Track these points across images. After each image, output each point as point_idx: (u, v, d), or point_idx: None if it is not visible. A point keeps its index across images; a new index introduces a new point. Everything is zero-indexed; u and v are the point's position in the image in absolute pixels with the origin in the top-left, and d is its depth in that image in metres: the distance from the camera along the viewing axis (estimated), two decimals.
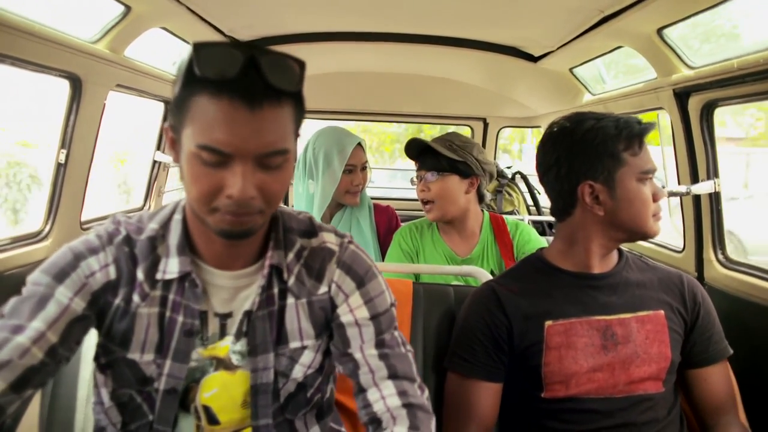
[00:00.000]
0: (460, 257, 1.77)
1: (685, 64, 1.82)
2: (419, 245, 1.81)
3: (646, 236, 1.20)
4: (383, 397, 0.90)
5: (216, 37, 2.24)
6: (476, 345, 1.21)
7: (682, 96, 1.85)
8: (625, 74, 2.44)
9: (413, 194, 1.96)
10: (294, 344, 0.92)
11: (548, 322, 1.17)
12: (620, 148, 1.14)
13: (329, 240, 0.96)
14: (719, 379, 1.22)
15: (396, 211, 2.06)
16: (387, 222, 1.99)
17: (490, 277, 1.49)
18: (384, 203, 2.06)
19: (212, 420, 0.92)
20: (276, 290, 0.92)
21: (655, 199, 1.17)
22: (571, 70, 2.60)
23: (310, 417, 1.00)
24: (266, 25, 2.36)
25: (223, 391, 0.91)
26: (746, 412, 1.22)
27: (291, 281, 0.92)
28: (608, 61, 2.32)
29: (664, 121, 2.04)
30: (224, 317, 0.91)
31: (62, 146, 1.78)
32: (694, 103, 1.82)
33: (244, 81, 0.73)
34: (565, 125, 1.20)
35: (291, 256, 0.93)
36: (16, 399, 0.77)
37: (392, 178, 7.54)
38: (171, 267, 0.87)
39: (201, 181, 0.77)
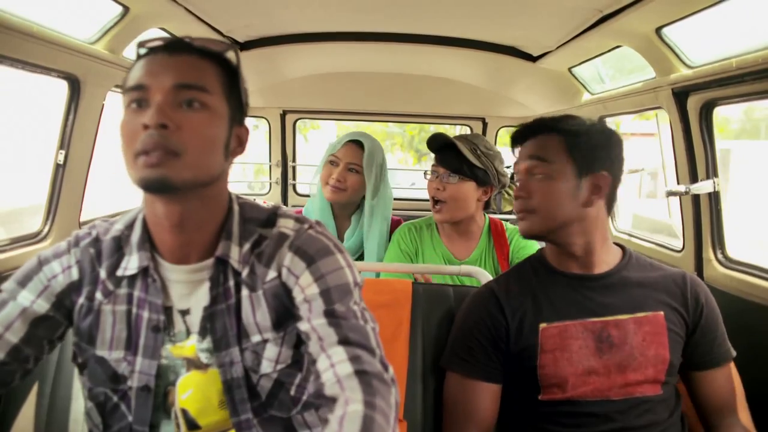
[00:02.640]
0: (458, 260, 1.77)
1: (684, 63, 1.81)
2: (418, 245, 1.81)
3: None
4: (332, 365, 0.80)
5: (214, 38, 2.24)
6: (475, 345, 1.21)
7: (680, 95, 1.85)
8: (621, 71, 2.44)
9: (410, 194, 1.95)
10: (255, 338, 0.90)
11: (543, 325, 1.17)
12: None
13: (286, 225, 0.93)
14: (723, 382, 1.21)
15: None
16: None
17: (490, 278, 1.49)
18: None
19: (191, 425, 0.91)
20: (231, 283, 0.90)
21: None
22: (570, 69, 2.60)
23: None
24: (265, 25, 2.36)
25: (198, 392, 0.91)
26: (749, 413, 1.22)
27: (245, 273, 0.90)
28: (604, 58, 2.32)
29: (663, 120, 2.04)
30: (184, 313, 0.91)
31: (61, 147, 1.78)
32: (693, 103, 1.81)
33: (169, 44, 0.85)
34: (584, 120, 1.26)
35: (246, 246, 0.91)
36: None
37: (395, 178, 7.54)
38: (131, 263, 0.90)
39: (126, 126, 0.82)
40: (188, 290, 0.91)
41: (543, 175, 1.17)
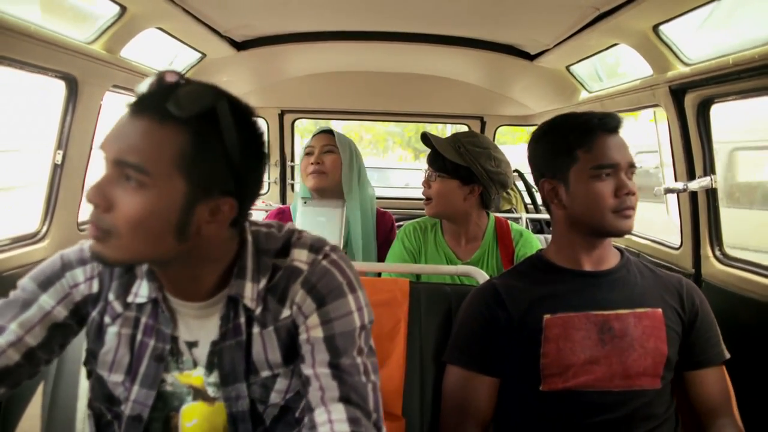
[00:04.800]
0: (460, 260, 1.77)
1: (681, 60, 1.82)
2: (421, 245, 1.81)
3: (608, 232, 1.19)
4: (331, 421, 0.79)
5: (212, 38, 2.24)
6: (475, 338, 1.22)
7: (678, 93, 1.85)
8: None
9: (407, 194, 1.96)
10: (264, 373, 0.88)
11: (546, 316, 1.18)
12: (573, 144, 1.17)
13: (299, 258, 0.87)
14: (716, 382, 1.22)
15: (393, 215, 2.06)
16: (384, 230, 1.97)
17: (487, 277, 1.49)
18: (382, 203, 2.05)
19: None
20: (242, 319, 0.87)
21: (618, 194, 1.16)
22: (567, 68, 2.61)
23: None
24: (262, 25, 2.36)
25: (203, 422, 0.90)
26: (741, 408, 1.23)
27: (258, 310, 0.86)
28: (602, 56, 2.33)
29: (661, 118, 2.04)
30: (191, 345, 0.89)
31: (58, 147, 1.78)
32: (690, 100, 1.82)
33: (144, 97, 0.75)
34: (541, 126, 1.27)
35: (262, 283, 0.86)
36: None
37: (388, 176, 7.53)
38: (142, 290, 0.87)
39: None
40: (197, 323, 0.88)
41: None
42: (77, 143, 1.81)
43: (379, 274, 1.76)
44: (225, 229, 0.81)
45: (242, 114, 0.79)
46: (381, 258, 1.89)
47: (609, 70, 2.58)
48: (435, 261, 1.79)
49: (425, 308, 1.42)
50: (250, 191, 0.82)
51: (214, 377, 0.88)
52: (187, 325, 0.88)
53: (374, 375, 0.86)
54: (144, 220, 0.73)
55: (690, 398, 1.24)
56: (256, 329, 0.87)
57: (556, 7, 1.88)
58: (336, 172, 1.87)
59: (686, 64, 1.80)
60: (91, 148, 1.90)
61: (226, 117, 0.74)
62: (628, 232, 1.20)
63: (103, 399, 0.89)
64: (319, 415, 0.81)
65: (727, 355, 1.24)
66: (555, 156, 1.20)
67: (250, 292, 0.85)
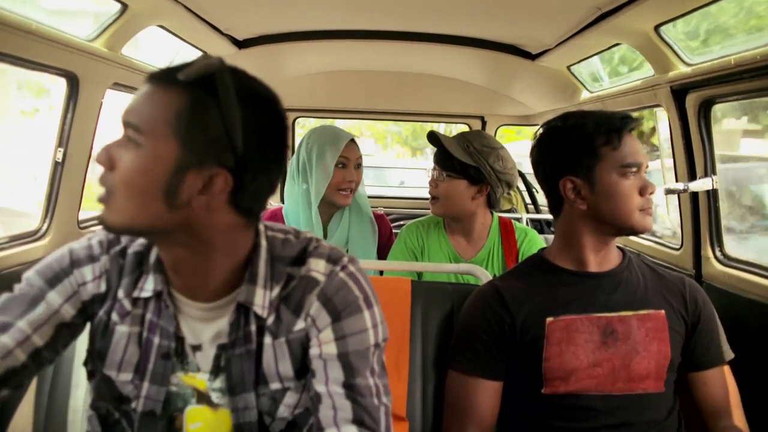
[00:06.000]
0: (464, 259, 1.77)
1: (683, 61, 1.82)
2: (425, 244, 1.80)
3: (632, 230, 1.20)
4: None
5: (213, 36, 2.24)
6: (478, 342, 1.21)
7: (679, 93, 1.85)
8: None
9: (405, 193, 1.95)
10: (274, 385, 0.85)
11: (549, 319, 1.18)
12: (599, 142, 1.17)
13: (316, 269, 0.85)
14: (718, 383, 1.22)
15: (388, 215, 2.05)
16: (383, 236, 1.93)
17: (490, 276, 1.49)
18: (378, 202, 2.03)
19: None
20: (253, 327, 0.84)
21: (642, 193, 1.17)
22: (568, 67, 2.60)
23: None
24: (264, 23, 2.36)
25: (206, 427, 0.88)
26: (744, 408, 1.23)
27: (270, 320, 0.84)
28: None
29: (663, 118, 2.04)
30: (195, 349, 0.87)
31: (59, 145, 1.78)
32: (692, 101, 1.82)
33: (162, 68, 0.78)
34: (551, 124, 1.24)
35: (276, 291, 0.84)
36: None
37: (385, 176, 7.52)
38: (148, 284, 0.85)
39: None
40: (200, 326, 0.86)
41: None
42: (78, 141, 1.81)
43: (381, 273, 1.76)
44: (223, 208, 0.77)
45: (253, 91, 0.78)
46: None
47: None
48: (438, 260, 1.78)
49: (427, 307, 1.42)
50: (252, 173, 0.77)
51: (219, 383, 0.86)
52: (191, 327, 0.86)
53: (386, 397, 0.84)
54: (134, 178, 0.73)
55: (694, 400, 1.23)
56: (267, 339, 0.84)
57: (557, 7, 1.88)
58: (359, 186, 1.85)
59: (688, 65, 1.80)
60: (91, 146, 1.90)
61: (226, 87, 0.73)
62: (650, 230, 1.20)
63: (111, 399, 0.87)
64: None
65: (731, 355, 1.23)
66: (578, 154, 1.18)
67: (261, 299, 0.83)
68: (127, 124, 0.75)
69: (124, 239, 0.89)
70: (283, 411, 0.87)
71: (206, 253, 0.80)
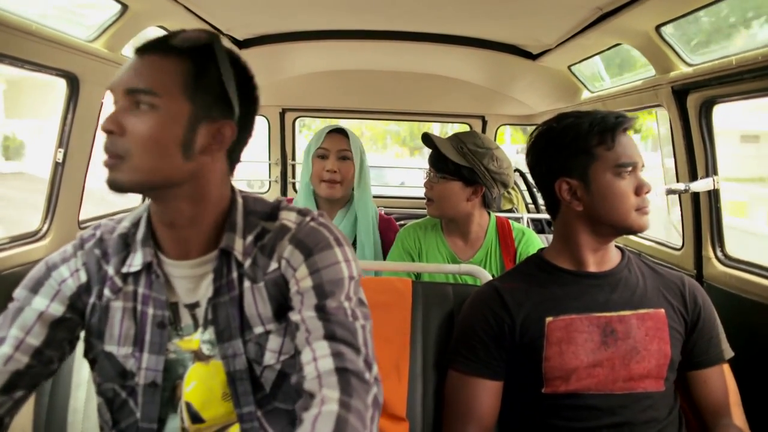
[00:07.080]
0: (462, 260, 1.76)
1: (684, 61, 1.82)
2: (422, 245, 1.80)
3: (629, 230, 1.19)
4: (315, 359, 0.81)
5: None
6: (478, 343, 1.21)
7: (680, 93, 1.85)
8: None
9: (405, 193, 1.94)
10: (257, 329, 0.90)
11: (549, 318, 1.18)
12: (593, 143, 1.17)
13: (288, 218, 0.93)
14: (718, 382, 1.22)
15: (388, 215, 2.04)
16: (389, 239, 1.91)
17: (490, 277, 1.49)
18: (378, 202, 2.03)
19: (195, 418, 0.92)
20: (235, 275, 0.90)
21: (638, 192, 1.16)
22: (569, 67, 2.60)
23: None
24: (264, 23, 2.36)
25: (201, 384, 0.92)
26: (744, 409, 1.22)
27: (247, 264, 0.90)
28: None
29: (663, 118, 2.04)
30: (192, 307, 0.92)
31: (60, 145, 1.78)
32: (693, 101, 1.82)
33: (148, 41, 0.86)
34: (545, 125, 1.24)
35: (250, 239, 0.91)
36: (8, 400, 0.86)
37: (385, 175, 7.54)
38: (136, 260, 0.91)
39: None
40: (194, 284, 0.91)
41: None
42: (78, 142, 1.81)
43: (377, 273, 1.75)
44: (221, 158, 0.89)
45: (235, 57, 0.90)
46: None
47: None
48: (436, 261, 1.77)
49: (427, 308, 1.42)
50: (245, 126, 0.90)
51: (208, 334, 0.91)
52: (185, 288, 0.91)
53: (364, 320, 0.87)
54: (155, 136, 0.81)
55: (694, 398, 1.23)
56: (247, 284, 0.90)
57: (558, 7, 1.88)
58: (350, 181, 1.82)
59: (689, 65, 1.80)
60: (92, 147, 1.90)
61: (222, 51, 0.85)
62: (647, 229, 1.20)
63: (117, 377, 0.91)
64: (305, 355, 0.83)
65: (731, 354, 1.23)
66: (572, 154, 1.18)
67: (240, 246, 0.90)
68: (136, 90, 0.82)
69: (97, 231, 0.95)
70: (270, 358, 0.90)
71: (202, 204, 0.88)
